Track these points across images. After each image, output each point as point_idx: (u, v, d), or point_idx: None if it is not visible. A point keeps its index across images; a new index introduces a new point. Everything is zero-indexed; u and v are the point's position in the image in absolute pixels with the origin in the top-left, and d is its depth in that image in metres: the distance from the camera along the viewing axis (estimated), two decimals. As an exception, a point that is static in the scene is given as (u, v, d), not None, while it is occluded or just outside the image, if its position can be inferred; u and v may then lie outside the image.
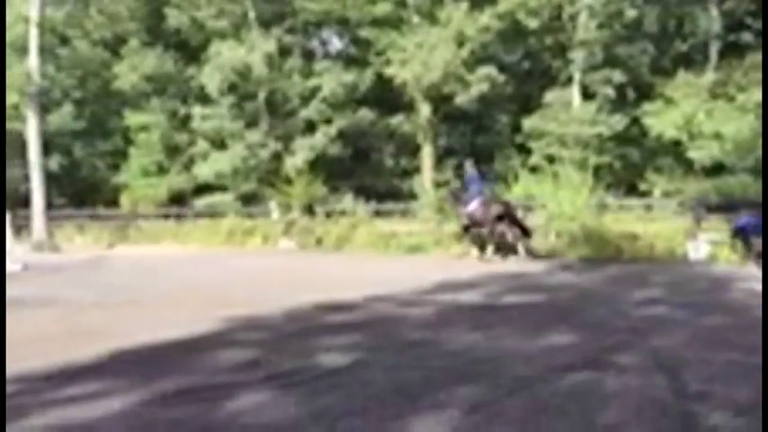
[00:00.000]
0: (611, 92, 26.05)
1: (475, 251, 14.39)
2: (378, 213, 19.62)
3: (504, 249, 14.17)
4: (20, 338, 6.28)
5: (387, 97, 28.07)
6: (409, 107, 28.24)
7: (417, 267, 12.97)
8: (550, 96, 26.45)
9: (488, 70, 25.66)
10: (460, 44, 25.03)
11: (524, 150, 26.07)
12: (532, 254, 14.08)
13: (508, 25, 26.01)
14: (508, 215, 14.23)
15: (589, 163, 20.09)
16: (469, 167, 15.40)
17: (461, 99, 25.72)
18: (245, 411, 3.90)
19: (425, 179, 26.72)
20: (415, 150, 28.58)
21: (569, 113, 25.71)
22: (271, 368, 4.91)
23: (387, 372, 4.78)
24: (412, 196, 23.06)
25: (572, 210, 15.45)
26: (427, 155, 27.77)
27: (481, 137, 29.19)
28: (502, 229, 14.10)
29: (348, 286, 9.53)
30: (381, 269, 12.96)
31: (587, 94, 26.39)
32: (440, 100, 27.03)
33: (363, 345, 5.76)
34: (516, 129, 27.55)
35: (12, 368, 4.97)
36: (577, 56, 25.91)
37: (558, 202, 15.79)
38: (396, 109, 28.29)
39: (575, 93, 26.46)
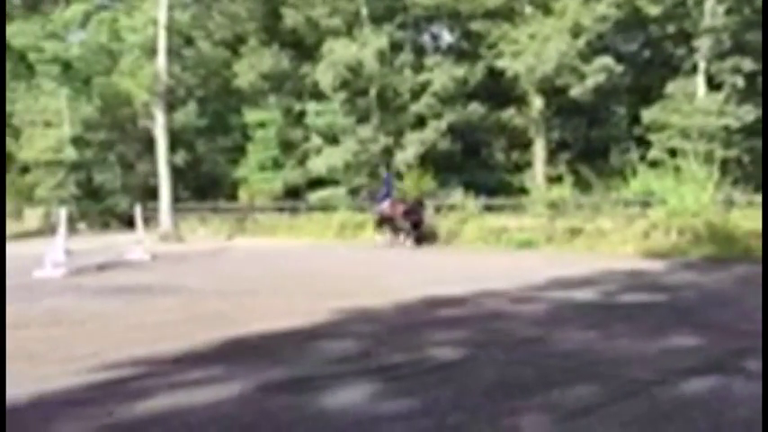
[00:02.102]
0: (739, 81, 24.50)
1: (380, 237, 18.03)
2: (488, 208, 19.38)
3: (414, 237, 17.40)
4: (149, 323, 6.72)
5: (498, 91, 27.73)
6: (521, 100, 27.76)
7: (529, 263, 12.74)
8: (673, 87, 25.22)
9: (605, 61, 24.81)
10: (576, 35, 24.32)
11: (643, 143, 24.99)
12: (421, 241, 17.18)
13: (627, 13, 25.00)
14: (411, 212, 17.53)
15: (715, 156, 18.94)
16: (384, 173, 19.67)
17: (576, 91, 25.00)
18: (357, 401, 3.98)
19: (537, 174, 26.19)
20: (526, 144, 28.08)
21: (693, 104, 24.41)
22: (381, 360, 4.98)
23: (498, 368, 4.73)
24: (523, 191, 22.66)
25: (695, 206, 14.64)
26: (539, 149, 27.21)
27: (596, 130, 28.26)
28: (409, 224, 17.40)
29: (457, 281, 9.50)
30: (491, 264, 12.81)
31: (713, 84, 24.96)
32: (553, 92, 26.41)
33: (473, 340, 5.72)
34: (635, 121, 26.47)
35: (143, 351, 5.33)
36: (703, 43, 24.55)
37: (680, 197, 15.01)
38: (507, 102, 27.90)
39: (699, 82, 25.11)
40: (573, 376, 4.45)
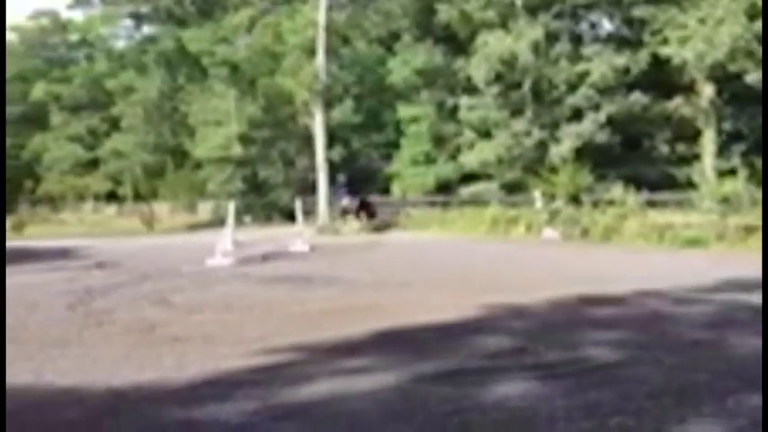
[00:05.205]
0: None
1: (346, 225, 23.35)
2: (650, 203, 18.35)
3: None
4: (310, 312, 7.04)
5: (662, 79, 26.16)
6: (688, 89, 26.02)
7: (696, 262, 11.92)
8: None
9: (787, 43, 22.60)
10: (752, 17, 22.37)
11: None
12: (376, 228, 22.56)
13: (813, -10, 22.61)
14: (365, 206, 23.81)
15: None
16: (341, 178, 27.33)
17: (752, 77, 23.01)
18: (513, 396, 3.92)
19: (706, 167, 24.45)
20: (694, 136, 26.28)
21: None
22: (537, 357, 4.87)
23: (663, 371, 4.46)
24: (690, 185, 21.23)
25: None
26: (709, 140, 25.39)
27: (775, 119, 25.83)
28: (362, 214, 23.43)
29: (615, 279, 9.09)
30: (653, 263, 12.13)
31: None
32: (725, 80, 24.52)
33: (634, 341, 5.45)
34: (822, 108, 23.89)
35: (304, 337, 5.61)
36: None
37: None
38: (672, 91, 26.25)
39: None
40: (751, 384, 4.10)
